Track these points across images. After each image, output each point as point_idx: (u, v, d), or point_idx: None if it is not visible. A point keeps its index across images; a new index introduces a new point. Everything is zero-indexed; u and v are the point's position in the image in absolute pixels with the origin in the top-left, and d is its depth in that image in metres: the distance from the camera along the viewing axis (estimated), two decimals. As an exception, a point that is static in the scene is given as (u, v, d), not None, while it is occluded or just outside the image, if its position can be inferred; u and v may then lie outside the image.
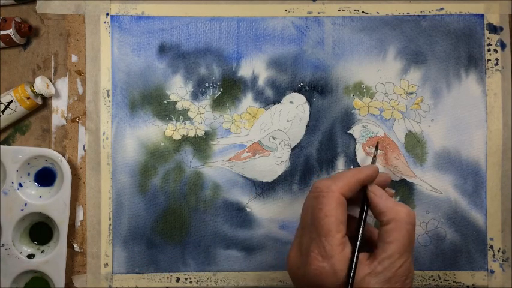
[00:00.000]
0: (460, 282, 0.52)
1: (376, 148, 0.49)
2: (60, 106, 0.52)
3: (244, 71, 0.52)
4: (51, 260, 0.50)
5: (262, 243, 0.52)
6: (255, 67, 0.52)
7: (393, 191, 0.46)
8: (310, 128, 0.52)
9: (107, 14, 0.52)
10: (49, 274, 0.50)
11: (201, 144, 0.52)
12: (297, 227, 0.43)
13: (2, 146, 0.51)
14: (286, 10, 0.52)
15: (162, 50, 0.52)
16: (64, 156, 0.52)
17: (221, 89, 0.52)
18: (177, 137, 0.52)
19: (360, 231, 0.41)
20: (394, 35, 0.52)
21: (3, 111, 0.50)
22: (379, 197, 0.41)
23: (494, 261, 0.52)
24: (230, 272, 0.52)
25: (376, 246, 0.39)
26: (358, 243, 0.40)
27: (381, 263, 0.38)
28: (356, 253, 0.39)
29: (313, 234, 0.39)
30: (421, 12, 0.52)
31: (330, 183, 0.40)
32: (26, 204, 0.51)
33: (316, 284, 0.38)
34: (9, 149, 0.51)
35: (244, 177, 0.52)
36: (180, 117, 0.52)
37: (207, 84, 0.52)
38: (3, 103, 0.50)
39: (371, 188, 0.42)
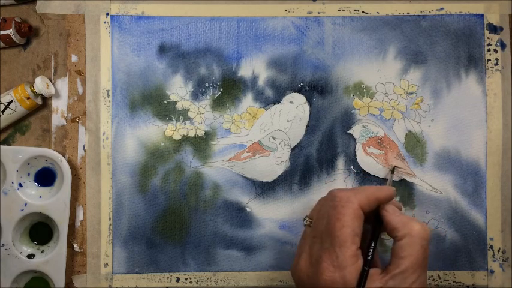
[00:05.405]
0: (460, 282, 0.52)
1: (392, 172, 0.50)
2: (60, 106, 0.52)
3: (244, 71, 0.52)
4: (51, 260, 0.50)
5: (262, 243, 0.52)
6: (255, 67, 0.52)
7: (401, 205, 0.46)
8: (310, 128, 0.52)
9: (107, 14, 0.52)
10: (49, 274, 0.50)
11: (201, 144, 0.52)
12: (303, 234, 0.43)
13: (2, 146, 0.51)
14: (286, 10, 0.52)
15: (162, 50, 0.52)
16: (64, 156, 0.52)
17: (221, 89, 0.52)
18: (177, 137, 0.52)
19: (372, 247, 0.41)
20: (394, 35, 0.52)
21: (3, 111, 0.50)
22: (392, 213, 0.41)
23: (494, 261, 0.52)
24: (230, 272, 0.52)
25: (389, 262, 0.39)
26: (369, 257, 0.40)
27: (393, 278, 0.38)
28: (366, 267, 0.39)
29: (326, 243, 0.39)
30: (421, 12, 0.52)
31: (350, 194, 0.40)
32: (26, 204, 0.51)
33: None
34: (9, 149, 0.51)
35: (244, 177, 0.52)
36: (180, 117, 0.52)
37: (207, 84, 0.52)
38: (3, 103, 0.50)
39: (383, 206, 0.42)
